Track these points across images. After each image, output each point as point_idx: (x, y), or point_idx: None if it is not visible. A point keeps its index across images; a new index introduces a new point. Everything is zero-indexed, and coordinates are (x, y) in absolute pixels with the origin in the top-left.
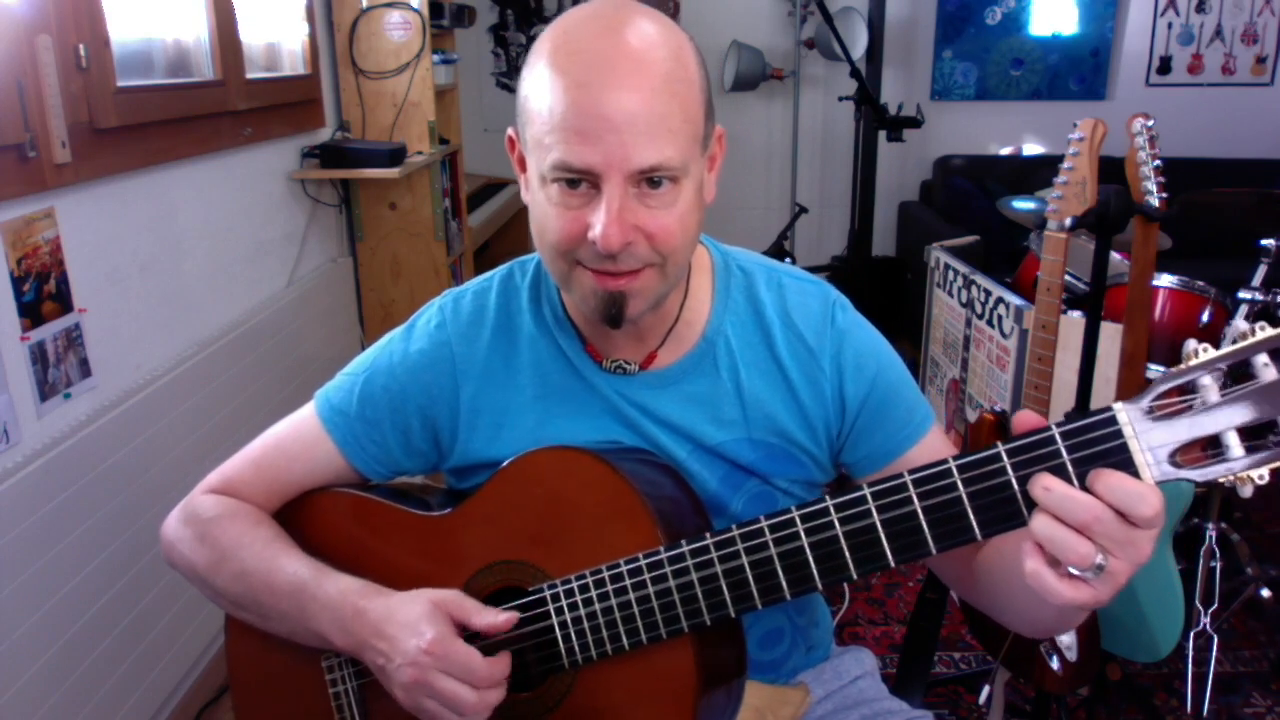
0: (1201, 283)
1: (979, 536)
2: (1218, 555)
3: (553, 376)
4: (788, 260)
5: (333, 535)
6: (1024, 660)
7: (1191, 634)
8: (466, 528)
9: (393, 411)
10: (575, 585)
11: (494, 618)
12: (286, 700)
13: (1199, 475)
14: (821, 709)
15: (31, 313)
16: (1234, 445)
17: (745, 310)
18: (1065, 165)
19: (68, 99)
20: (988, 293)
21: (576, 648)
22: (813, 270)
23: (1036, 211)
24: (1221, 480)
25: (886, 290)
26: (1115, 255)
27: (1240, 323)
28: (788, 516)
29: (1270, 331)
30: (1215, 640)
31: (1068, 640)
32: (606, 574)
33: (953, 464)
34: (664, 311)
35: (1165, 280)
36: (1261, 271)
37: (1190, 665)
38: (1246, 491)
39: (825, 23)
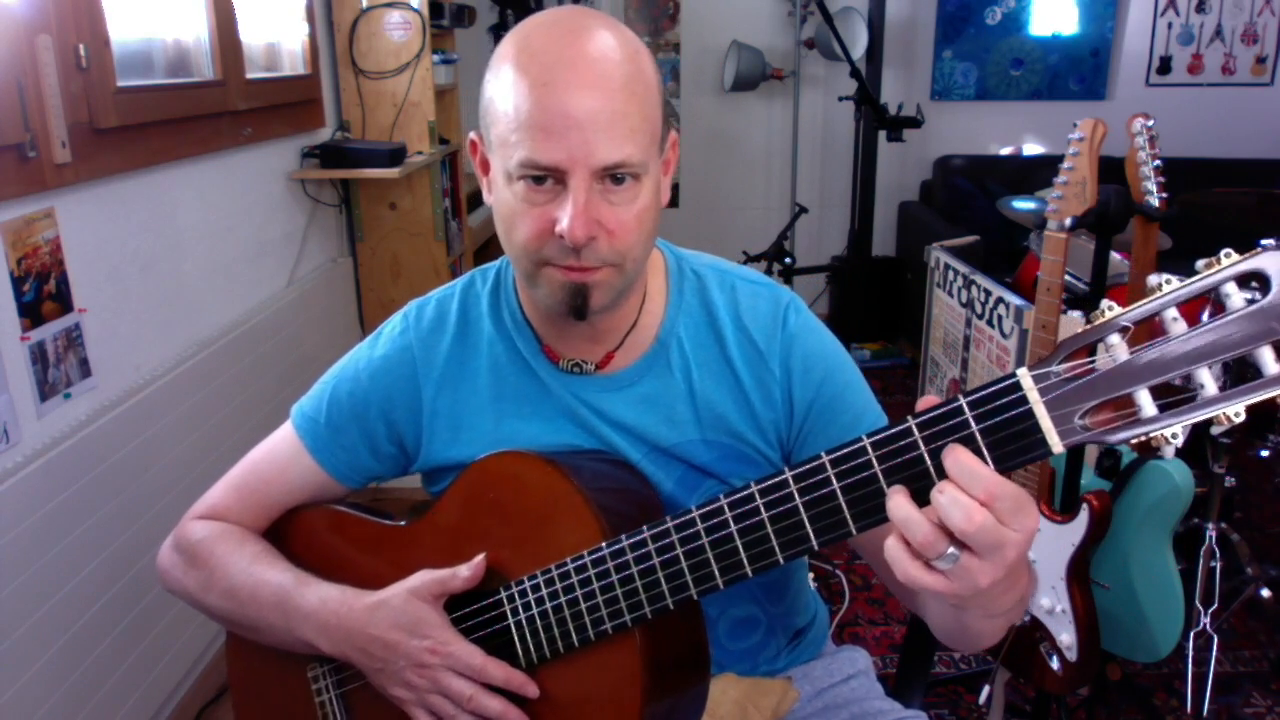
0: None
1: (854, 530)
2: (1218, 555)
3: (509, 378)
4: (788, 260)
5: (316, 549)
6: (1024, 660)
7: (1191, 634)
8: (431, 535)
9: (357, 417)
10: (528, 585)
11: (468, 572)
12: (279, 708)
13: (1110, 438)
14: (810, 707)
15: (31, 313)
16: (1146, 405)
17: (698, 312)
18: (1065, 165)
19: (68, 99)
20: (988, 293)
21: (531, 646)
22: (813, 270)
23: (1036, 211)
24: (1133, 442)
25: (886, 290)
26: (1115, 255)
27: (1151, 276)
28: (717, 505)
29: (1175, 285)
30: (1215, 640)
31: (1068, 640)
32: (555, 573)
33: (867, 441)
34: (622, 313)
35: None
36: None
37: (1190, 665)
38: (1168, 453)
39: (825, 23)
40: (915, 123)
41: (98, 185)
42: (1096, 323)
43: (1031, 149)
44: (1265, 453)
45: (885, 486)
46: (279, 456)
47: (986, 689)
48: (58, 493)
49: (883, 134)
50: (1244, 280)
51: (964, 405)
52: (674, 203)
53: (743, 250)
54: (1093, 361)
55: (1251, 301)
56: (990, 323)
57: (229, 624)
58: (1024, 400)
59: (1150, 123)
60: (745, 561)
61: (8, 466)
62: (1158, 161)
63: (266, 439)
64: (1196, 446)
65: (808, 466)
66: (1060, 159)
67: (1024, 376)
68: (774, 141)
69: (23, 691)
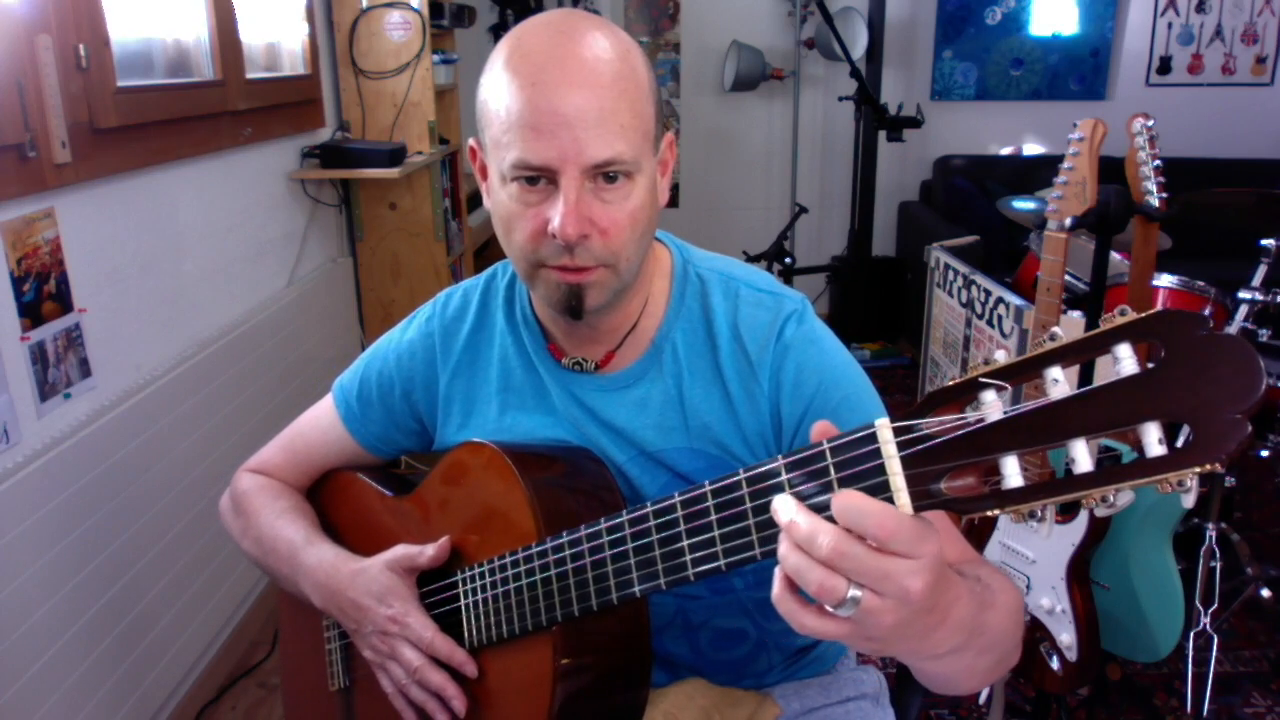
0: (1201, 283)
1: (758, 556)
2: (1218, 555)
3: (515, 372)
4: (788, 260)
5: (339, 508)
6: (1024, 660)
7: (1191, 634)
8: (413, 511)
9: (383, 395)
10: (477, 572)
11: (432, 552)
12: (305, 650)
13: (965, 510)
14: None
15: (31, 313)
16: (1012, 475)
17: (697, 318)
18: (1065, 165)
19: (68, 99)
20: (988, 293)
21: (475, 630)
22: (812, 270)
23: (1036, 211)
24: (993, 515)
25: (886, 290)
26: (1115, 255)
27: (1056, 328)
28: (618, 521)
29: (1064, 339)
30: (1215, 640)
31: (1068, 640)
32: (497, 564)
33: (742, 475)
34: (623, 313)
35: (1165, 280)
36: (1261, 271)
37: (1190, 665)
38: (1043, 532)
39: (825, 23)
40: (915, 123)
41: (98, 185)
42: (971, 374)
43: (1031, 149)
44: (1265, 453)
45: (752, 526)
46: (319, 424)
47: (987, 689)
48: (58, 493)
49: (883, 134)
50: (1139, 342)
51: (826, 451)
52: (674, 203)
53: (743, 250)
54: (963, 418)
55: (1144, 370)
56: (990, 323)
57: (259, 567)
58: (877, 454)
59: (1150, 123)
60: (635, 580)
61: (8, 466)
62: (1158, 161)
63: (314, 405)
64: None
65: (690, 494)
66: (1060, 159)
67: (882, 428)
68: (774, 141)
69: (23, 691)
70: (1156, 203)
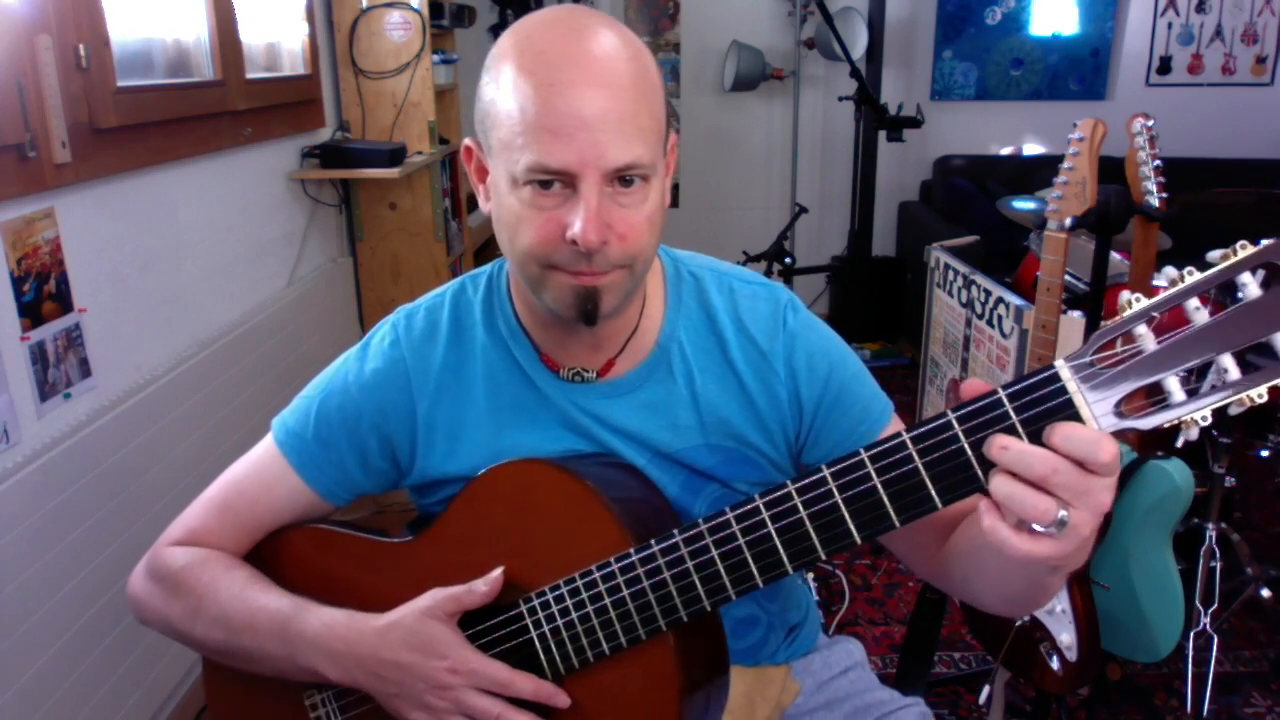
0: None
1: (939, 505)
2: (1218, 555)
3: (505, 388)
4: (788, 260)
5: (309, 572)
6: (1024, 660)
7: (1191, 634)
8: (439, 550)
9: (349, 432)
10: (550, 596)
11: (485, 587)
12: None
13: (1144, 423)
14: (813, 702)
15: (31, 313)
16: (1175, 390)
17: (698, 315)
18: (1065, 165)
19: (68, 99)
20: (988, 293)
21: (558, 657)
22: (813, 270)
23: (1036, 211)
24: (1165, 425)
25: (886, 290)
26: (1115, 255)
27: (1170, 269)
28: (752, 505)
29: (1198, 276)
30: (1215, 640)
31: (1068, 640)
32: (580, 581)
33: (906, 436)
34: (625, 318)
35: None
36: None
37: (1190, 665)
38: (1192, 434)
39: (825, 23)
40: (915, 123)
41: (98, 185)
42: (1125, 314)
43: (1031, 149)
44: (1265, 453)
45: (927, 480)
46: (263, 476)
47: (986, 689)
48: (58, 493)
49: (883, 134)
50: (1257, 270)
51: (1003, 397)
52: (674, 203)
53: (743, 250)
54: (1123, 351)
55: (1266, 290)
56: (990, 323)
57: (219, 654)
58: (1064, 390)
59: (1150, 123)
60: (785, 559)
61: (8, 466)
62: (1158, 161)
63: (245, 456)
64: (1197, 446)
65: (846, 464)
66: (1060, 159)
67: (1062, 368)
68: (774, 141)
69: (23, 691)
70: (1156, 203)
